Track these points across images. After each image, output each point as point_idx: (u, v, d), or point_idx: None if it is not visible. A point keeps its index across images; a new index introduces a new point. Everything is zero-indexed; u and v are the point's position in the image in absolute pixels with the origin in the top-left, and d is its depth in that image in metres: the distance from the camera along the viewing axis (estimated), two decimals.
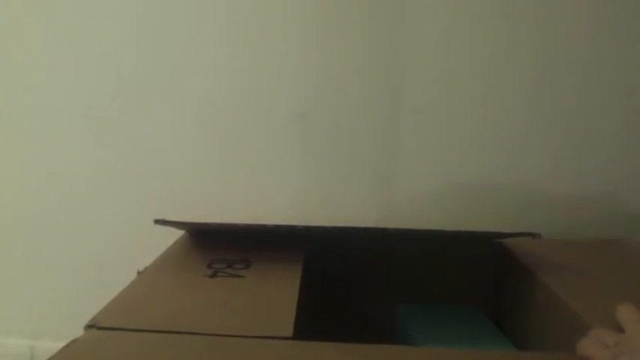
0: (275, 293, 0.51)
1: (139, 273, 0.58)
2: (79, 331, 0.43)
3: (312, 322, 0.51)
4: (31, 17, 0.91)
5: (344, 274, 0.75)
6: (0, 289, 1.00)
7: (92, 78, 0.92)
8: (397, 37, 0.85)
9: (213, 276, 0.55)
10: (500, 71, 0.84)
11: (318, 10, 0.86)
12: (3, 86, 0.94)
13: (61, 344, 0.40)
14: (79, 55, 0.92)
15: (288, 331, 0.42)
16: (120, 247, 0.93)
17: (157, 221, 0.59)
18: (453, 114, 0.86)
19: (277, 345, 0.41)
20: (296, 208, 0.91)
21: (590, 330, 0.41)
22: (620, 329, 0.39)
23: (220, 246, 0.64)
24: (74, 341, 0.41)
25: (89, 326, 0.44)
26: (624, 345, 0.36)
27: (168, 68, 0.91)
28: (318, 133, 0.89)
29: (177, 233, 0.70)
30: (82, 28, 0.91)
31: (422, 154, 0.88)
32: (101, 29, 0.91)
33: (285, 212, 0.90)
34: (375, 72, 0.87)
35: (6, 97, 0.94)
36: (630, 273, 0.60)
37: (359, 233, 0.67)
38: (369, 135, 0.88)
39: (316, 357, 0.40)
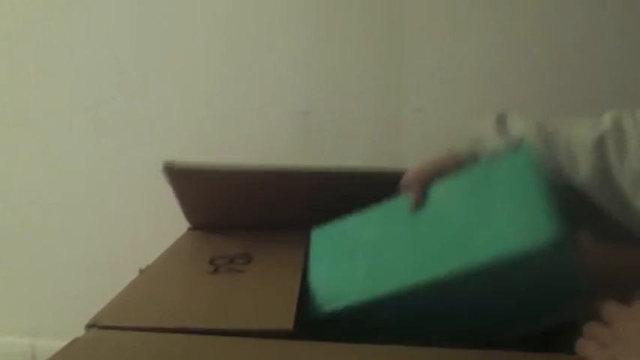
0: (276, 287, 0.51)
1: (140, 271, 0.58)
2: (80, 329, 0.43)
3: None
4: (31, 16, 0.91)
5: None
6: (1, 288, 1.00)
7: (92, 77, 0.92)
8: (397, 36, 0.85)
9: (214, 272, 0.56)
10: (500, 71, 0.84)
11: (319, 10, 0.86)
12: (2, 85, 0.94)
13: (62, 342, 0.41)
14: (79, 55, 0.92)
15: (289, 324, 0.43)
16: (121, 245, 0.93)
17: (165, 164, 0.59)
18: (453, 113, 0.86)
19: (277, 343, 0.41)
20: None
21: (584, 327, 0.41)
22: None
23: (221, 242, 0.64)
24: (75, 340, 0.41)
25: (90, 325, 0.44)
26: (620, 345, 0.36)
27: (169, 68, 0.91)
28: (320, 131, 0.89)
29: (179, 231, 0.70)
30: (81, 27, 0.91)
31: (422, 153, 0.87)
32: (101, 29, 0.91)
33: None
34: (376, 71, 0.87)
35: (5, 96, 0.94)
36: (631, 272, 0.60)
37: None
38: (370, 133, 0.88)
39: (315, 355, 0.40)
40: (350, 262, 0.53)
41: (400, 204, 0.54)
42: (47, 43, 0.92)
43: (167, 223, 0.64)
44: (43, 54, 0.92)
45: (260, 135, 0.91)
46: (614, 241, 0.53)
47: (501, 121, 0.54)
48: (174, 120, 0.92)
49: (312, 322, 0.49)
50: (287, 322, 0.43)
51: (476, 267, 0.44)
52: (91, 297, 0.48)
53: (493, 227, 0.45)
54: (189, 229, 0.69)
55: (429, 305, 0.48)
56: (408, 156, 0.88)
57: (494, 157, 0.51)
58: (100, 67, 0.91)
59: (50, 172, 0.96)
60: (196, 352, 0.40)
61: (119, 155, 0.94)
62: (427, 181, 0.53)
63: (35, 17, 0.91)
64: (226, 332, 0.42)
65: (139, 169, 0.93)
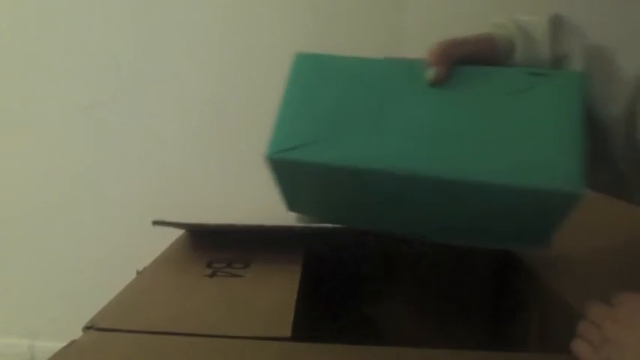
0: (274, 293, 0.51)
1: (138, 273, 0.58)
2: (79, 331, 0.43)
3: (310, 323, 0.50)
4: (30, 16, 0.91)
5: (343, 275, 0.75)
6: (0, 289, 1.00)
7: (91, 77, 0.92)
8: (397, 36, 0.85)
9: (212, 276, 0.55)
10: None
11: (319, 10, 0.86)
12: (2, 85, 0.94)
13: (62, 344, 0.41)
14: (78, 55, 0.92)
15: (287, 331, 0.42)
16: (119, 247, 0.93)
17: (155, 222, 0.59)
18: None
19: (276, 346, 0.41)
20: None
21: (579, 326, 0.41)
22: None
23: (219, 245, 0.64)
24: (72, 343, 0.41)
25: (88, 327, 0.44)
26: (609, 347, 0.37)
27: (168, 68, 0.91)
28: None
29: (177, 233, 0.70)
30: (80, 28, 0.91)
31: None
32: (100, 29, 0.91)
33: (285, 212, 0.90)
34: None
35: (5, 96, 0.94)
36: (635, 270, 0.60)
37: (358, 233, 0.67)
38: None
39: (314, 359, 0.40)
40: (332, 114, 0.47)
41: (413, 69, 0.46)
42: (46, 43, 0.92)
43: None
44: (42, 54, 0.92)
45: (260, 135, 0.91)
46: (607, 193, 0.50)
47: (557, 24, 0.47)
48: (173, 120, 0.92)
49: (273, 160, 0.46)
50: (285, 329, 0.43)
51: (485, 182, 0.40)
52: (91, 299, 0.48)
53: (520, 148, 0.41)
54: (187, 230, 0.69)
55: (395, 191, 0.44)
56: None
57: (542, 69, 0.44)
58: (99, 68, 0.91)
59: (49, 172, 0.96)
60: (194, 354, 0.40)
61: (118, 155, 0.94)
62: (456, 58, 0.44)
63: (34, 17, 0.91)
64: (222, 338, 0.42)
65: (138, 170, 0.93)
